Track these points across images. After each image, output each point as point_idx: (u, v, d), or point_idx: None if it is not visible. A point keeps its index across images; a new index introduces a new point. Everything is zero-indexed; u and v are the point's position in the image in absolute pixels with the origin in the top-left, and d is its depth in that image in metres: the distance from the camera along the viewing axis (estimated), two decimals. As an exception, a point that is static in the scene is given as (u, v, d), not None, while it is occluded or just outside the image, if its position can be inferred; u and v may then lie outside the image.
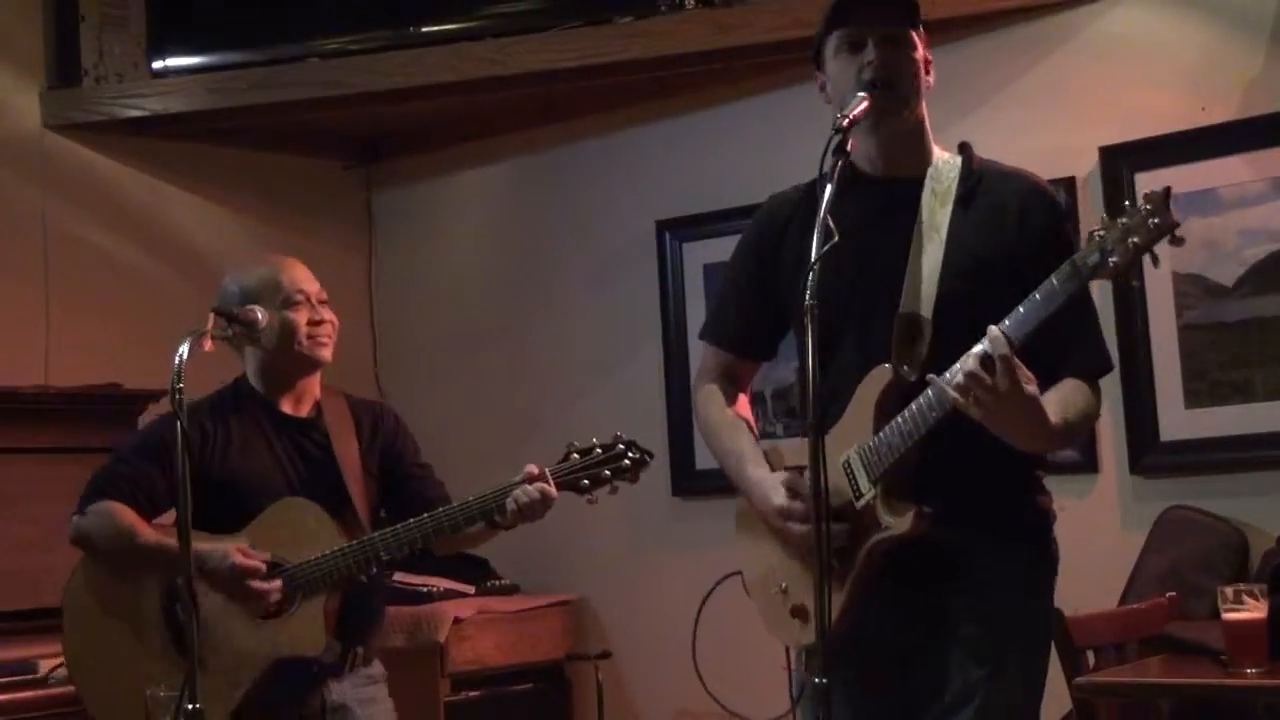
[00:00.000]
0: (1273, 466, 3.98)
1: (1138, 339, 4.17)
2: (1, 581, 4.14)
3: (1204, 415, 4.08)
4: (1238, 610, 3.16)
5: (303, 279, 3.25)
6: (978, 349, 2.26)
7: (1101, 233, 2.19)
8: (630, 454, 3.06)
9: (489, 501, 3.05)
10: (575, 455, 3.07)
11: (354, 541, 3.10)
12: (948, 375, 2.31)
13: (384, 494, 3.28)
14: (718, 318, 2.78)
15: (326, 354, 3.25)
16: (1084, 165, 4.27)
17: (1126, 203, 2.20)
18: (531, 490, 3.01)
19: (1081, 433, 2.47)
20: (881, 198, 2.52)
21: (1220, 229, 4.07)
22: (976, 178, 2.53)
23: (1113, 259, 2.17)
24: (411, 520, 3.10)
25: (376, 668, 3.31)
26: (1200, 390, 4.09)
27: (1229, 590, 3.19)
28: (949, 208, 2.50)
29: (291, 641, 3.10)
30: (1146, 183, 4.15)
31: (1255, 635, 3.14)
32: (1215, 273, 4.07)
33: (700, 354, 2.85)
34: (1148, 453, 4.16)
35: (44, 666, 4.01)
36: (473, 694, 4.81)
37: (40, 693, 3.96)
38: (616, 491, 3.10)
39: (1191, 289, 4.09)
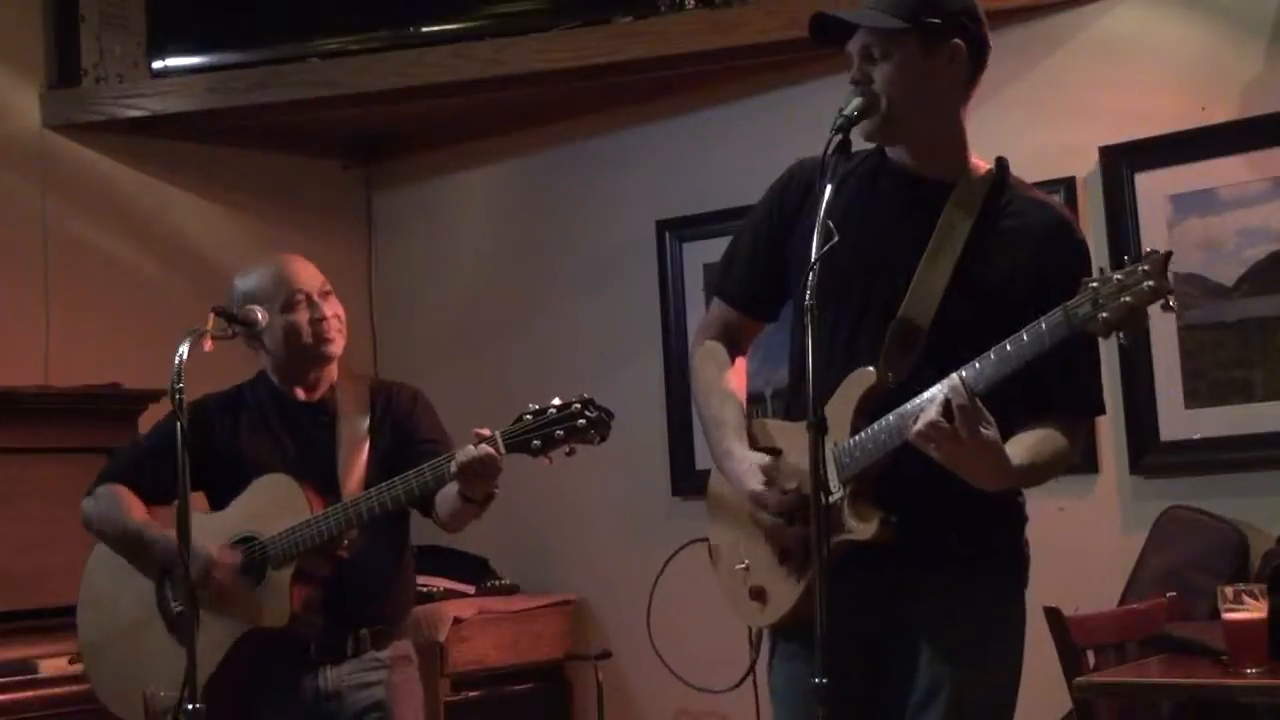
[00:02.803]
0: (1273, 466, 3.98)
1: (1138, 339, 4.16)
2: (1, 581, 4.15)
3: (1204, 415, 4.08)
4: (1238, 610, 3.16)
5: (301, 277, 3.24)
6: (939, 394, 2.26)
7: (1095, 284, 2.18)
8: (587, 412, 2.91)
9: (439, 463, 2.98)
10: (529, 416, 2.95)
11: (319, 513, 3.09)
12: (910, 407, 2.32)
13: (399, 471, 3.19)
14: (728, 272, 2.74)
15: (334, 348, 3.25)
16: (1084, 165, 4.27)
17: (1126, 257, 2.19)
18: (472, 450, 2.90)
19: (1049, 477, 2.47)
20: (905, 194, 2.50)
21: (1220, 229, 4.07)
22: (1006, 199, 2.50)
23: (1103, 314, 2.16)
24: (370, 490, 3.07)
25: (393, 651, 3.25)
26: (1200, 390, 4.09)
27: (1229, 590, 3.19)
28: (970, 223, 2.47)
29: (258, 614, 3.11)
30: (1146, 183, 4.16)
31: (1255, 635, 3.14)
32: (1215, 273, 4.08)
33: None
34: (1148, 453, 4.17)
35: (44, 667, 4.01)
36: (473, 694, 4.81)
37: (40, 693, 3.97)
38: (573, 453, 2.94)
39: (1191, 289, 4.09)
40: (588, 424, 2.91)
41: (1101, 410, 2.58)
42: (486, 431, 2.94)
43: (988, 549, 2.51)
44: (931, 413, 2.25)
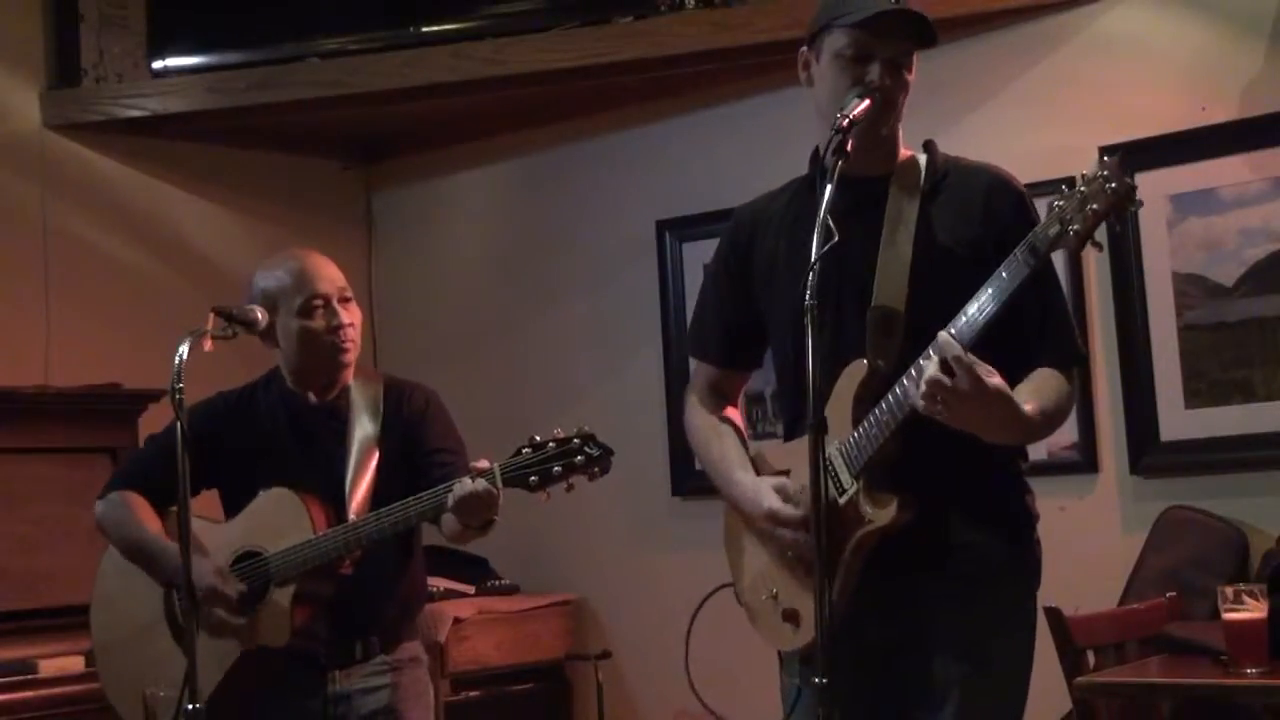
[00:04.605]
0: (1273, 466, 3.98)
1: (1138, 339, 4.17)
2: (1, 581, 4.15)
3: (1204, 415, 4.08)
4: (1238, 610, 3.16)
5: (322, 281, 3.18)
6: (932, 356, 2.27)
7: (1060, 204, 2.21)
8: (587, 448, 2.87)
9: (438, 492, 2.96)
10: (527, 450, 2.92)
11: (319, 534, 3.08)
12: (907, 383, 2.33)
13: (409, 481, 3.17)
14: (699, 331, 2.82)
15: (348, 357, 3.21)
16: (1084, 165, 4.24)
17: (1083, 173, 2.21)
18: (469, 484, 2.88)
19: (1059, 422, 2.49)
20: (849, 197, 2.50)
21: (1220, 229, 4.07)
22: (942, 173, 2.56)
23: (1073, 228, 2.18)
24: (370, 516, 3.06)
25: (402, 653, 3.24)
26: (1200, 390, 4.09)
27: (1229, 590, 3.19)
28: (916, 203, 2.52)
29: (258, 633, 3.10)
30: (1146, 183, 4.14)
31: (1255, 635, 3.14)
32: (1215, 273, 4.08)
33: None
34: (1148, 453, 4.16)
35: (44, 667, 4.02)
36: (473, 694, 4.81)
37: (40, 693, 3.97)
38: (572, 489, 2.92)
39: (1191, 289, 4.09)
40: (586, 460, 2.88)
41: (1083, 354, 2.61)
42: (484, 464, 2.92)
43: (1000, 548, 2.52)
44: (930, 370, 2.25)
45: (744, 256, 2.68)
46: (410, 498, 3.02)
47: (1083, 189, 2.18)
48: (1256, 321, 4.02)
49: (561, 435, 2.92)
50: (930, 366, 2.26)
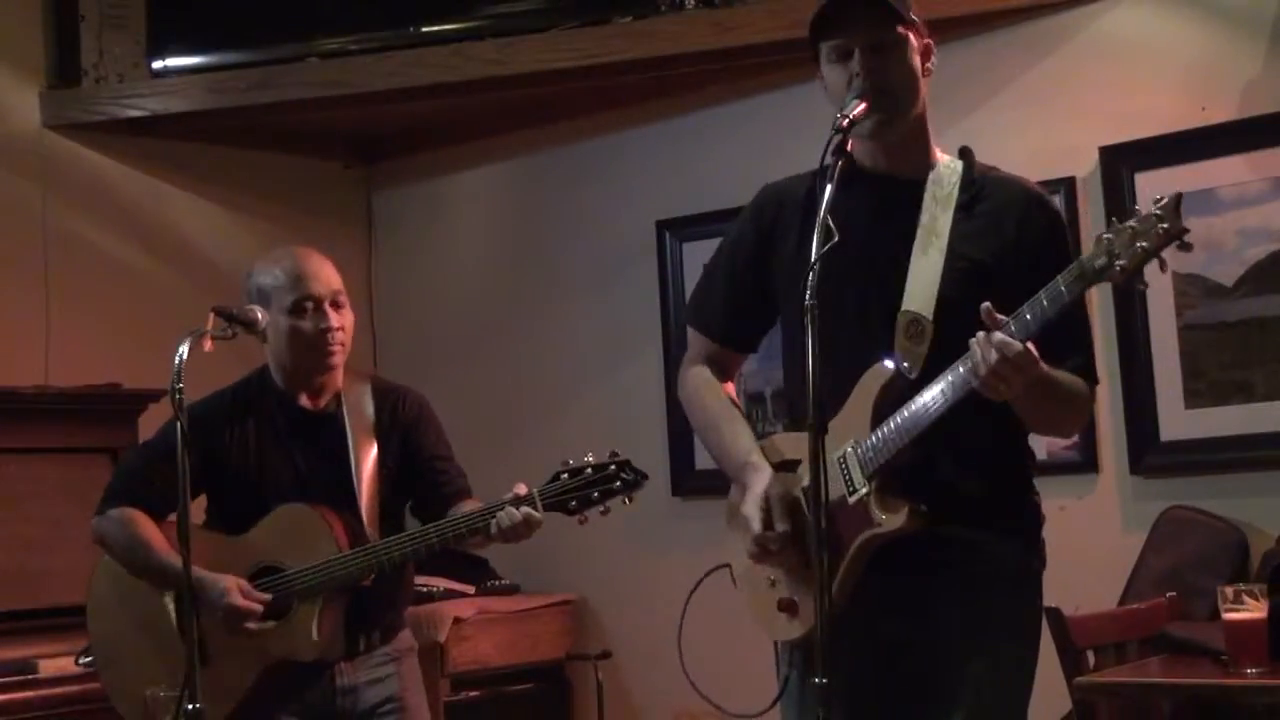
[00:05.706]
0: (1273, 466, 3.98)
1: (1138, 339, 4.17)
2: (1, 581, 4.15)
3: (1204, 415, 4.08)
4: (1238, 610, 3.16)
5: (315, 282, 3.19)
6: (993, 338, 2.25)
7: (1109, 236, 2.19)
8: (623, 474, 3.01)
9: (475, 520, 3.05)
10: (565, 475, 3.03)
11: (346, 552, 3.10)
12: (930, 391, 2.34)
13: (405, 487, 3.25)
14: (705, 304, 2.77)
15: (334, 360, 3.21)
16: (1084, 165, 4.27)
17: (1137, 206, 2.20)
18: (515, 514, 2.99)
19: (1080, 414, 2.54)
20: (882, 196, 2.52)
21: (1220, 229, 4.07)
22: (978, 185, 2.54)
23: (1119, 262, 2.16)
24: (403, 537, 3.10)
25: (399, 643, 3.30)
26: (1200, 390, 4.09)
27: (1229, 590, 3.19)
28: (950, 213, 2.50)
29: (286, 646, 3.12)
30: (1146, 183, 4.16)
31: (1255, 635, 3.15)
32: (1215, 273, 4.08)
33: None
34: (1148, 453, 4.17)
35: (44, 667, 4.02)
36: (473, 694, 4.81)
37: (40, 693, 3.97)
38: (608, 513, 3.03)
39: (1191, 289, 4.09)
40: (623, 485, 3.01)
41: (1097, 380, 2.59)
42: (523, 490, 3.02)
43: (1009, 549, 2.52)
44: (990, 353, 2.23)
45: (767, 235, 2.65)
46: (445, 521, 3.10)
47: (1134, 224, 2.16)
48: (1256, 321, 4.02)
49: (596, 461, 3.03)
50: (988, 351, 2.24)
